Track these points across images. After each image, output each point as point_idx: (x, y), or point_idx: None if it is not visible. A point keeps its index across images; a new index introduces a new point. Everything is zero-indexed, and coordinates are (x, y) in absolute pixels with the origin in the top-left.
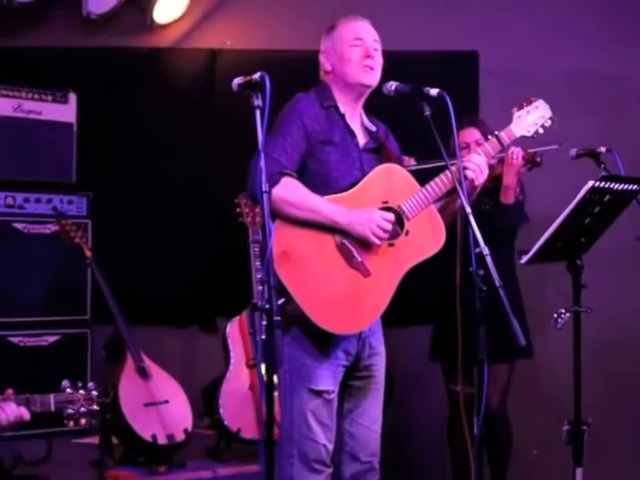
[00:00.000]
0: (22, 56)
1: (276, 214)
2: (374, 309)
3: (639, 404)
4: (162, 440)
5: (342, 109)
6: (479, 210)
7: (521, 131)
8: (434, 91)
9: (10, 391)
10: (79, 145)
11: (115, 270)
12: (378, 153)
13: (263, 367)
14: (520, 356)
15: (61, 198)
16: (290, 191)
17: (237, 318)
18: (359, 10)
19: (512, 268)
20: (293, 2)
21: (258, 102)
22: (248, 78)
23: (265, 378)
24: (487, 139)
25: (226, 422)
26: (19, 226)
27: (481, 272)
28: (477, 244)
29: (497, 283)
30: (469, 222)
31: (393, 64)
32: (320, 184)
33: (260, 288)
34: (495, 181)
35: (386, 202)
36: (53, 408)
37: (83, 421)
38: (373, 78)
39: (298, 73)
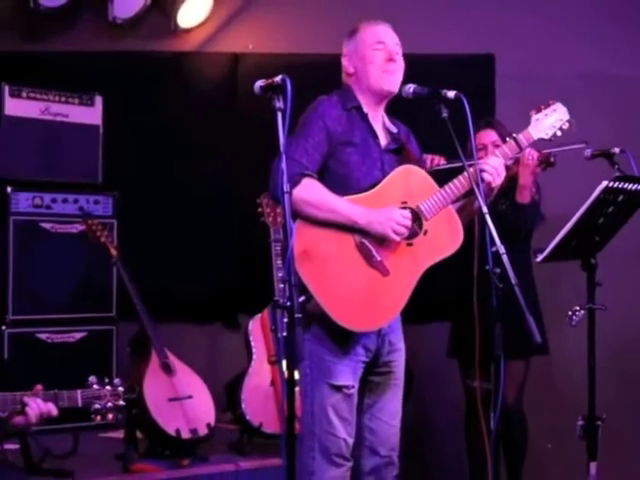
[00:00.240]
0: (50, 60)
1: (297, 214)
2: (392, 307)
3: None
4: (186, 434)
5: (365, 109)
6: (496, 210)
7: (539, 134)
8: (451, 93)
9: (39, 387)
10: (105, 147)
11: (140, 268)
12: (399, 154)
13: (284, 363)
14: (536, 353)
15: (87, 198)
16: (310, 192)
17: (259, 315)
18: (379, 14)
19: (528, 267)
20: (314, 6)
21: (279, 104)
22: (270, 81)
23: (286, 374)
24: (504, 140)
25: (248, 417)
26: (47, 226)
27: (497, 270)
28: (494, 243)
29: (513, 281)
30: (485, 222)
31: (411, 67)
32: (341, 184)
33: (281, 286)
34: (511, 181)
35: (405, 203)
36: (80, 404)
37: (110, 416)
38: (395, 84)
39: (320, 76)
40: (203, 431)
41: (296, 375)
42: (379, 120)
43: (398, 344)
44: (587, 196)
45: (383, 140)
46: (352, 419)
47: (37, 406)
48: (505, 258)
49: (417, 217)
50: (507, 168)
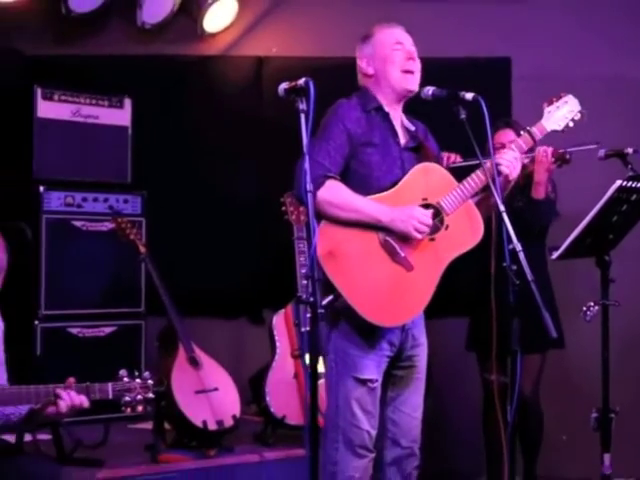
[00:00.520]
0: (80, 64)
1: (321, 215)
2: (418, 302)
3: None
4: (212, 426)
5: (386, 109)
6: (512, 207)
7: (552, 125)
8: (469, 95)
9: (71, 380)
10: (134, 147)
11: (168, 265)
12: (418, 152)
13: (307, 357)
14: (552, 346)
15: (117, 197)
16: (334, 193)
17: (283, 310)
18: (399, 18)
19: (544, 263)
20: (336, 10)
21: (303, 106)
22: (293, 83)
23: (309, 368)
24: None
25: (272, 409)
26: (78, 224)
27: (514, 267)
28: (510, 240)
29: (529, 278)
30: (502, 220)
31: (429, 70)
32: (363, 184)
33: (304, 282)
34: (527, 178)
35: (425, 199)
36: (111, 396)
37: (139, 408)
38: (415, 83)
39: (342, 79)
40: (229, 423)
41: (319, 368)
42: (398, 119)
43: (421, 339)
44: (601, 195)
45: (402, 139)
46: (375, 412)
47: (69, 398)
48: (522, 255)
49: (438, 212)
50: (524, 167)
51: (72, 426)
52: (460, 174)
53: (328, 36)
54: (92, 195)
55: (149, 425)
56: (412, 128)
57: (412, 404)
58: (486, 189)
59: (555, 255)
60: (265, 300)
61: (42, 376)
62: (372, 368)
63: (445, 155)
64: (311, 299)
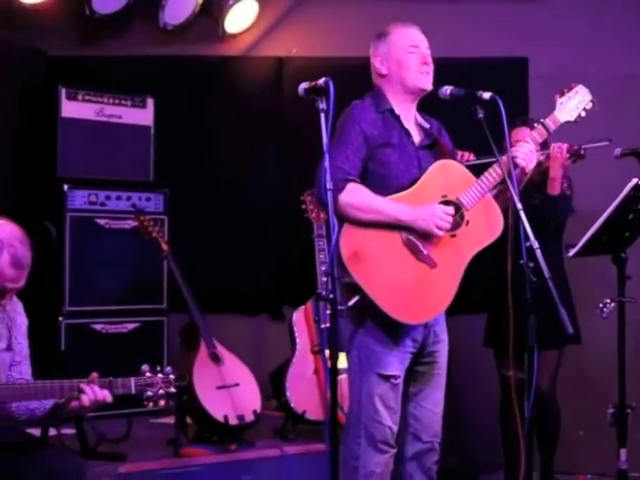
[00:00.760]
0: (104, 64)
1: (344, 218)
2: (442, 298)
3: None
4: (233, 420)
5: (397, 111)
6: (529, 205)
7: (565, 116)
8: (487, 94)
9: (94, 375)
10: (156, 146)
11: (189, 262)
12: (433, 149)
13: (327, 353)
14: (569, 342)
15: (139, 195)
16: (355, 196)
17: (303, 307)
18: (418, 18)
19: (560, 261)
20: (356, 10)
21: (323, 106)
22: (313, 83)
23: (329, 363)
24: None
25: (292, 404)
26: (101, 222)
27: (531, 264)
28: (527, 238)
29: (546, 275)
30: (520, 218)
31: (447, 70)
32: (381, 184)
33: (324, 279)
34: (543, 175)
35: (445, 196)
36: (134, 391)
37: (161, 403)
38: (429, 82)
39: (363, 79)
40: (249, 417)
41: (338, 364)
42: (411, 118)
43: (442, 335)
44: (617, 193)
45: (417, 137)
46: (397, 408)
47: (93, 393)
48: (539, 253)
49: (458, 208)
50: (539, 163)
51: (95, 421)
52: (474, 172)
53: (348, 36)
54: (115, 193)
55: (171, 420)
56: (426, 125)
57: (433, 400)
58: (503, 182)
59: (572, 253)
60: (285, 297)
61: (66, 371)
62: (396, 364)
63: (459, 154)
64: (331, 296)
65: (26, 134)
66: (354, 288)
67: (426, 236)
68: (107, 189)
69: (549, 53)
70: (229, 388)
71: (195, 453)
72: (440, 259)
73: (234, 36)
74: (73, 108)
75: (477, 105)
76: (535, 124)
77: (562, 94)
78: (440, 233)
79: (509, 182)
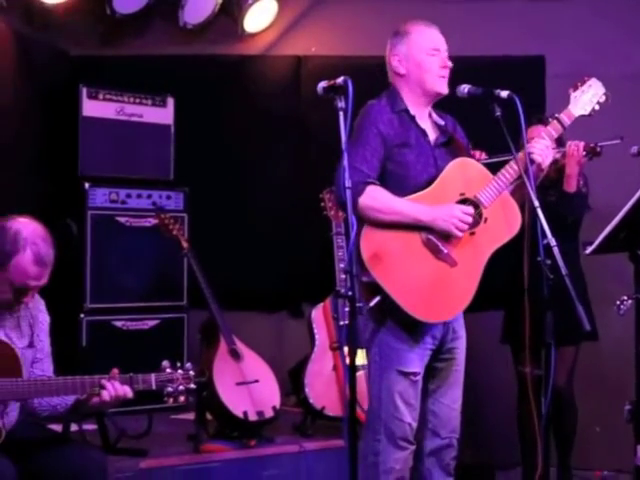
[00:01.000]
0: (124, 63)
1: (364, 220)
2: (463, 296)
3: None
4: (252, 416)
5: (412, 111)
6: (545, 202)
7: (579, 110)
8: (504, 93)
9: (115, 371)
10: (176, 145)
11: (209, 260)
12: (449, 146)
13: (346, 350)
14: (586, 339)
15: (160, 194)
16: (375, 198)
17: (321, 304)
18: (436, 16)
19: (577, 258)
20: (375, 9)
21: (341, 104)
22: (332, 82)
23: (348, 360)
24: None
25: (311, 400)
26: (122, 220)
27: (549, 262)
28: (545, 235)
29: (563, 272)
30: (537, 215)
31: (463, 68)
32: (399, 183)
33: (343, 276)
34: (559, 173)
35: (463, 194)
36: (154, 386)
37: (181, 398)
38: (446, 86)
39: (382, 78)
40: (269, 413)
41: (357, 361)
42: (426, 117)
43: (460, 332)
44: (634, 191)
45: (432, 135)
46: (417, 405)
47: (114, 388)
48: (556, 250)
49: (476, 206)
50: (555, 160)
51: (117, 416)
52: (488, 170)
53: (367, 35)
54: (136, 192)
55: (191, 416)
56: (441, 123)
57: (452, 396)
58: (520, 177)
59: (589, 250)
60: (304, 294)
61: (87, 368)
62: (416, 361)
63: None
64: (350, 293)
65: (48, 133)
66: (373, 287)
67: (445, 235)
68: (128, 187)
69: (566, 51)
70: (248, 384)
71: (215, 449)
72: (460, 258)
73: (253, 35)
74: (94, 107)
75: (494, 103)
76: (550, 119)
77: (576, 88)
78: (459, 233)
79: (526, 179)
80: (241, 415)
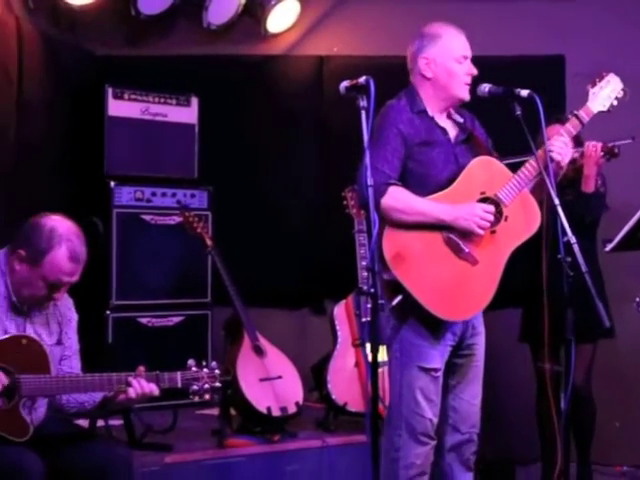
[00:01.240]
0: (149, 63)
1: (387, 221)
2: (484, 294)
3: None
4: (276, 412)
5: (431, 112)
6: (563, 200)
7: (597, 107)
8: (525, 92)
9: (142, 368)
10: (200, 144)
11: (233, 257)
12: (469, 143)
13: (368, 346)
14: (604, 336)
15: (184, 192)
16: (397, 199)
17: (344, 301)
18: (457, 16)
19: (595, 256)
20: (397, 9)
21: (363, 103)
22: (354, 81)
23: (370, 357)
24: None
25: (334, 396)
26: (147, 218)
27: (568, 259)
28: (565, 233)
29: (583, 269)
30: (557, 213)
31: (483, 68)
32: (421, 182)
33: (365, 274)
34: (577, 172)
35: (483, 192)
36: (180, 385)
37: (207, 396)
38: (468, 93)
39: (404, 78)
40: (292, 409)
41: (379, 357)
42: (445, 116)
43: (479, 328)
44: None
45: (452, 133)
46: (438, 400)
47: (140, 386)
48: (576, 247)
49: (496, 205)
50: (573, 160)
51: (142, 412)
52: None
53: (389, 35)
54: (161, 190)
55: (215, 411)
56: (460, 120)
57: (472, 391)
58: (539, 175)
59: (609, 248)
60: (327, 291)
61: (113, 364)
62: (437, 358)
63: None
64: (372, 290)
65: (74, 133)
66: (395, 285)
67: (466, 234)
68: (153, 186)
69: (586, 51)
70: (272, 380)
71: (239, 444)
72: (481, 256)
73: (276, 35)
74: (119, 107)
75: (515, 102)
76: (569, 117)
77: (594, 84)
78: (481, 232)
79: (546, 177)
80: (265, 411)
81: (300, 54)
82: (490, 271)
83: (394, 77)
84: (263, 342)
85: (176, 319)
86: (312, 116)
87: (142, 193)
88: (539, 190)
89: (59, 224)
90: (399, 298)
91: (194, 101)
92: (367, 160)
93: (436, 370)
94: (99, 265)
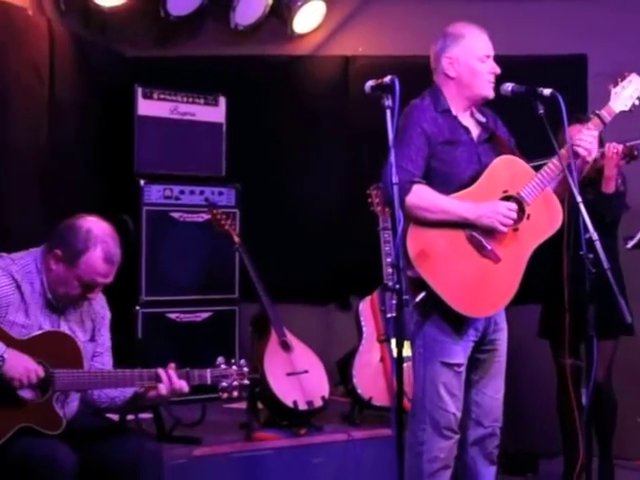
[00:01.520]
0: (178, 64)
1: (411, 219)
2: (507, 291)
3: None
4: (302, 406)
5: (454, 111)
6: (584, 199)
7: (619, 107)
8: (547, 91)
9: (172, 365)
10: (228, 143)
11: (260, 254)
12: (491, 142)
13: (393, 342)
14: (624, 333)
15: (212, 190)
16: (422, 197)
17: (369, 297)
18: (479, 17)
19: (616, 254)
20: (422, 9)
21: (388, 103)
22: (379, 81)
23: (395, 352)
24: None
25: (359, 391)
26: (175, 215)
27: (590, 256)
28: (587, 230)
29: (606, 266)
30: (579, 210)
31: (505, 68)
32: (444, 181)
33: (390, 270)
34: (597, 173)
35: (506, 191)
36: (209, 382)
37: (235, 393)
38: (492, 90)
39: (428, 77)
40: (318, 403)
41: (404, 352)
42: (468, 115)
43: (502, 324)
44: None
45: (475, 132)
46: (461, 395)
47: (170, 383)
48: (598, 244)
49: (519, 203)
50: (594, 161)
51: (171, 406)
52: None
53: (414, 34)
54: (189, 188)
55: (243, 405)
56: (482, 119)
57: (494, 386)
58: (562, 173)
59: (630, 244)
60: (352, 287)
61: (143, 359)
62: (459, 353)
63: None
64: (397, 286)
65: (105, 132)
66: (418, 282)
67: (489, 232)
68: (181, 184)
69: (608, 50)
70: (298, 375)
71: (266, 437)
72: (503, 254)
73: (302, 36)
74: (149, 107)
75: (537, 101)
76: (590, 116)
77: (616, 84)
78: (504, 229)
79: (568, 175)
80: (291, 404)
81: (326, 54)
82: (512, 268)
83: (419, 76)
84: (290, 337)
85: (204, 315)
86: (338, 115)
87: (171, 191)
88: (563, 189)
89: (95, 226)
90: (422, 294)
91: (222, 100)
92: (392, 159)
93: (459, 365)
94: (129, 261)
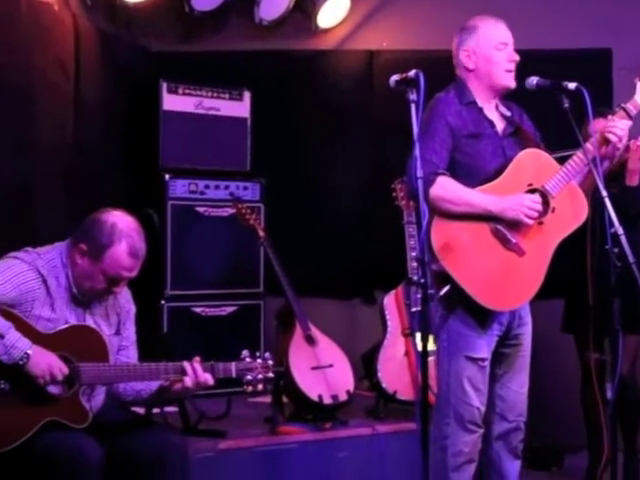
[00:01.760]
0: (202, 59)
1: (435, 211)
2: (531, 284)
3: None
4: (327, 400)
5: (480, 103)
6: (608, 194)
7: None
8: (572, 85)
9: (197, 359)
10: (253, 137)
11: (285, 248)
12: (516, 136)
13: (418, 336)
14: None
15: (237, 184)
16: (446, 189)
17: (394, 291)
18: (504, 11)
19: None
20: (447, 3)
21: (413, 97)
22: (404, 75)
23: (420, 346)
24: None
25: (384, 385)
26: (201, 210)
27: (616, 250)
28: (612, 224)
29: (631, 260)
30: (605, 205)
31: (530, 62)
32: (469, 174)
33: (414, 264)
34: (621, 166)
35: (531, 184)
36: (234, 375)
37: (260, 386)
38: (513, 80)
39: (452, 71)
40: (343, 397)
41: (429, 346)
42: (493, 109)
43: (526, 318)
44: None
45: (500, 126)
46: (485, 389)
47: (196, 376)
48: (623, 238)
49: (544, 196)
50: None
51: (197, 399)
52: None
53: (438, 29)
54: (214, 182)
55: (268, 399)
56: (508, 113)
57: (518, 381)
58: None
59: None
60: (377, 281)
61: (168, 352)
62: (484, 347)
63: None
64: (421, 280)
65: (130, 127)
66: (443, 276)
67: (514, 225)
68: (206, 178)
69: (633, 44)
70: (323, 369)
71: (291, 431)
72: (528, 247)
73: (326, 31)
74: (174, 101)
75: (562, 95)
76: (616, 108)
77: None
78: (529, 222)
79: (594, 169)
80: (316, 398)
81: (350, 49)
82: (537, 262)
83: (443, 70)
84: (314, 331)
85: (229, 309)
86: (362, 110)
87: (196, 186)
88: (587, 183)
89: (120, 220)
90: (447, 288)
91: (246, 95)
92: (417, 152)
93: (483, 360)
94: (154, 256)
